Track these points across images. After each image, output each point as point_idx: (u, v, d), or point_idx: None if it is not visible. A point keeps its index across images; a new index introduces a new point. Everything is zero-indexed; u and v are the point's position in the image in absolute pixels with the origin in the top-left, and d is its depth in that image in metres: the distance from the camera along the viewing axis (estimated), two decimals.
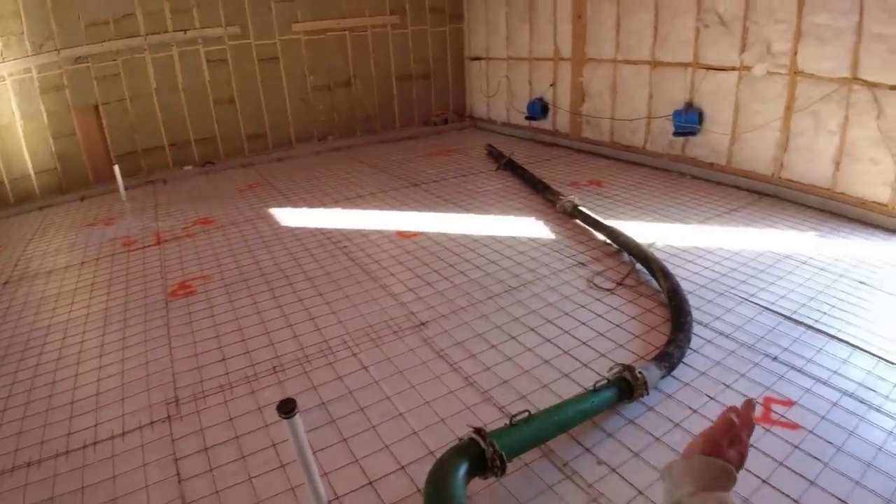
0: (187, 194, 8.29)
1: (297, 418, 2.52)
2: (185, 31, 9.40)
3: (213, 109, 9.97)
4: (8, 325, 5.11)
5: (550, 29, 9.42)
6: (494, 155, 8.88)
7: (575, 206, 6.09)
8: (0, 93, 8.75)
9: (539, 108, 9.92)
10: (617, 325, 4.14)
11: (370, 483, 2.92)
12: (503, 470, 2.61)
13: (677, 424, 3.15)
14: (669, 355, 3.52)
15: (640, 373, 3.23)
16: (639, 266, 4.89)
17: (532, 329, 4.15)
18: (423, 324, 4.32)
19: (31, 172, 9.24)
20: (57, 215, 8.35)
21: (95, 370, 4.18)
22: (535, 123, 10.19)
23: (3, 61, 8.65)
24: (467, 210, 6.70)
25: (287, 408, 2.47)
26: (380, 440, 3.20)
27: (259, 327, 4.38)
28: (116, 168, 8.53)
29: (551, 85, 9.68)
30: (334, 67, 10.72)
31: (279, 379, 3.77)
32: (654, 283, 4.61)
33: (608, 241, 5.45)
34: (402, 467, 2.99)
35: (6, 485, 3.25)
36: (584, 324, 4.18)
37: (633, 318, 4.24)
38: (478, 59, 11.58)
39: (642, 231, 5.60)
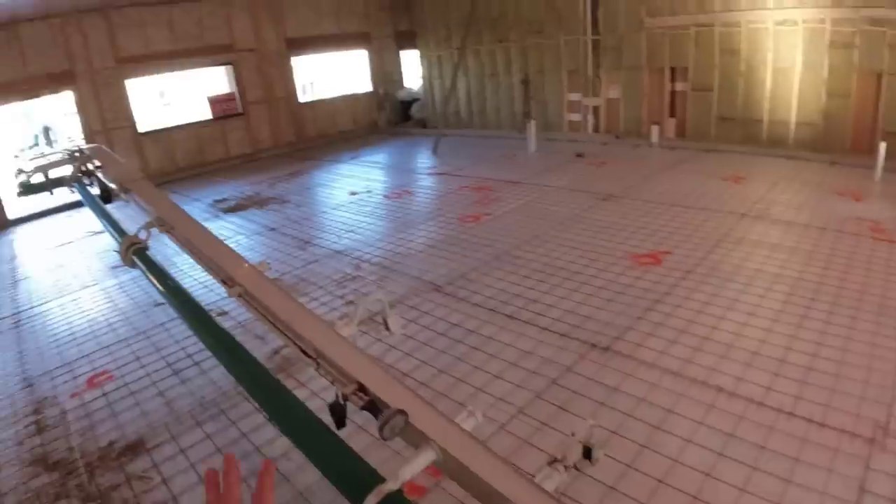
0: None
1: None
2: None
3: None
4: (738, 255, 5.59)
5: None
6: None
7: None
8: (789, 37, 9.02)
9: None
10: None
11: None
12: None
13: None
14: None
15: None
16: None
17: None
18: None
19: (792, 120, 9.45)
20: (805, 170, 8.39)
21: (812, 343, 4.08)
22: None
23: (800, 7, 8.72)
24: None
25: None
26: None
27: None
28: (882, 145, 7.68)
29: None
30: None
31: None
32: None
33: None
34: None
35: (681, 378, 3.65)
36: None
37: None
38: None
39: None
